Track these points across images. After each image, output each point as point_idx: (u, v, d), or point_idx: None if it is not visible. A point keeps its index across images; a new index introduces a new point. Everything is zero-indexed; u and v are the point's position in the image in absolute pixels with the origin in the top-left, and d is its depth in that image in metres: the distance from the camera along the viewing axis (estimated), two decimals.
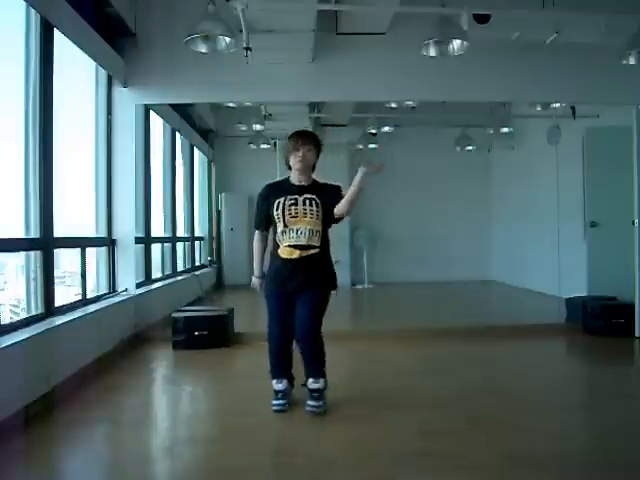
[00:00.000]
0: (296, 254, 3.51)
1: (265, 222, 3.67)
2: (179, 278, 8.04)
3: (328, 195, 3.57)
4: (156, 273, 7.26)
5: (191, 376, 4.89)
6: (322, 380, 3.60)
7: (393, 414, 3.59)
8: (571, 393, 4.35)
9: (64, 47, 4.49)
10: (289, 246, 3.52)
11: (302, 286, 3.55)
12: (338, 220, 3.58)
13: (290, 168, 3.65)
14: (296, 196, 3.53)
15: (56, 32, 4.33)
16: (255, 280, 3.79)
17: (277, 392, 3.65)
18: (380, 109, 8.70)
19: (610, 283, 6.66)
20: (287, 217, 3.50)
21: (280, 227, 3.54)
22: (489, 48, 5.46)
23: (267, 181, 3.78)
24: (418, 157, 10.97)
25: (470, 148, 10.05)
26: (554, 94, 6.19)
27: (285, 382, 3.67)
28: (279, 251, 3.56)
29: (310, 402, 3.57)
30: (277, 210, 3.53)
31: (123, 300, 5.52)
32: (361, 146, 10.09)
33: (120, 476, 2.87)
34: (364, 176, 3.39)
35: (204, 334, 5.51)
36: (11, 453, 2.97)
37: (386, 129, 9.35)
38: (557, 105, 7.60)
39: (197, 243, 10.11)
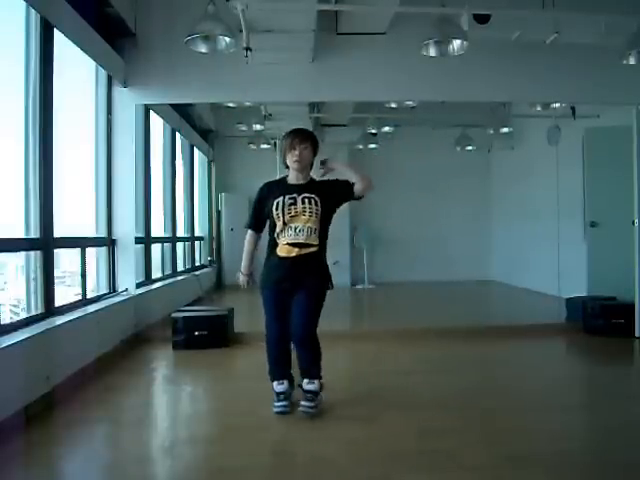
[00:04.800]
0: (294, 252, 3.49)
1: (260, 223, 3.69)
2: (179, 278, 8.04)
3: (330, 189, 3.57)
4: (156, 273, 7.26)
5: (191, 376, 4.88)
6: (317, 381, 3.59)
7: (393, 414, 3.60)
8: (571, 393, 4.35)
9: (64, 47, 4.49)
10: (287, 244, 3.50)
11: (298, 284, 3.53)
12: (359, 198, 3.61)
13: (287, 167, 3.63)
14: (295, 195, 3.51)
15: (56, 32, 4.33)
16: (242, 277, 3.78)
17: (278, 394, 3.63)
18: (380, 109, 8.70)
19: (610, 283, 6.67)
20: (286, 216, 3.49)
21: (279, 226, 3.52)
22: (489, 48, 5.46)
23: (267, 181, 3.77)
24: (418, 157, 10.97)
25: (470, 148, 10.05)
26: (554, 94, 6.19)
27: (286, 383, 3.65)
28: (277, 249, 3.54)
29: (304, 402, 3.55)
30: (277, 209, 3.51)
31: (123, 300, 5.52)
32: (361, 146, 10.09)
33: (120, 476, 2.87)
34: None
35: (204, 334, 5.50)
36: (11, 453, 2.98)
37: (386, 129, 9.34)
38: (557, 105, 7.60)
39: (197, 243, 10.11)
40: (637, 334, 5.84)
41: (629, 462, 2.91)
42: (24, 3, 3.98)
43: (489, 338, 5.92)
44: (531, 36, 5.41)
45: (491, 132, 9.49)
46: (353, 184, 3.55)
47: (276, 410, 3.59)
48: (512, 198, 10.36)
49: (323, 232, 3.56)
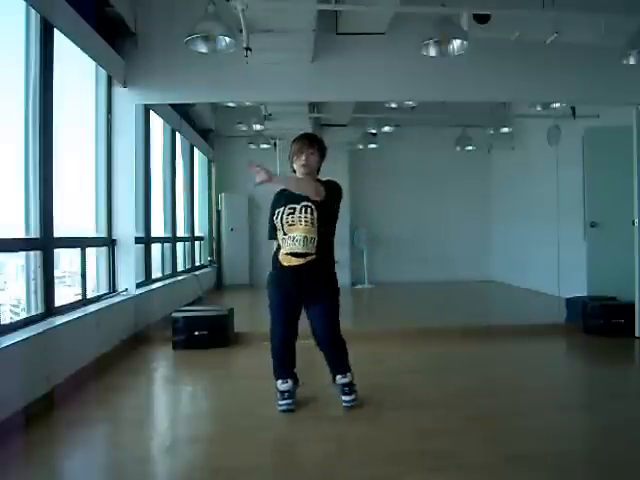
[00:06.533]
0: (293, 261, 3.52)
1: (274, 232, 3.67)
2: (179, 278, 8.04)
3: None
4: (156, 273, 7.26)
5: (191, 376, 4.88)
6: (349, 374, 3.67)
7: (393, 414, 3.60)
8: (571, 393, 4.35)
9: (64, 47, 4.49)
10: (287, 254, 3.54)
11: (307, 292, 3.57)
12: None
13: (295, 172, 3.65)
14: (295, 204, 3.53)
15: (56, 32, 4.33)
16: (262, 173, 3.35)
17: (283, 392, 3.65)
18: (380, 109, 8.70)
19: (610, 283, 6.66)
20: (285, 225, 3.54)
21: (280, 235, 3.57)
22: (489, 48, 5.46)
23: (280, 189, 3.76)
24: (418, 157, 10.97)
25: (470, 148, 10.05)
26: (554, 94, 6.20)
27: (290, 382, 3.68)
28: (279, 257, 3.59)
29: (344, 397, 3.64)
30: (277, 219, 3.57)
31: (123, 300, 5.52)
32: (361, 146, 10.09)
33: (120, 476, 2.87)
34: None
35: (204, 334, 5.50)
36: (11, 453, 2.98)
37: (386, 129, 9.36)
38: (557, 105, 7.61)
39: (197, 243, 10.11)
40: (637, 334, 5.84)
41: (629, 462, 2.90)
42: (24, 3, 3.98)
43: (489, 338, 5.92)
44: (531, 36, 5.41)
45: (491, 132, 9.51)
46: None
47: (281, 408, 3.61)
48: (512, 198, 10.36)
49: (323, 240, 3.55)
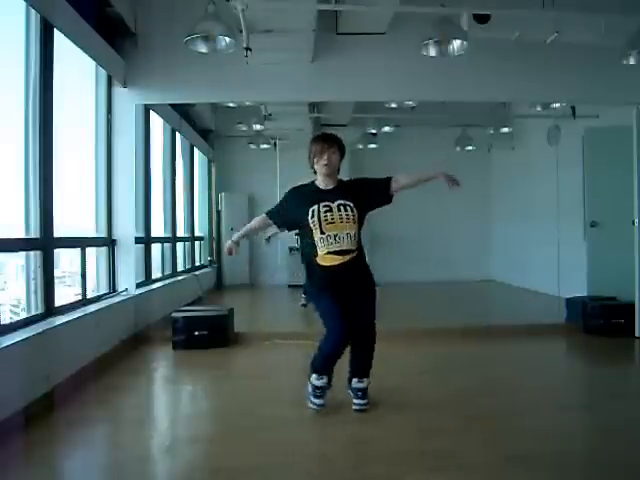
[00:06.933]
0: (338, 260, 3.49)
1: (278, 219, 3.72)
2: (179, 278, 8.04)
3: (365, 189, 3.63)
4: (156, 273, 7.26)
5: (191, 376, 4.89)
6: (366, 379, 3.66)
7: (394, 414, 3.59)
8: (571, 393, 4.35)
9: (64, 47, 4.49)
10: (329, 253, 3.49)
11: (351, 290, 3.56)
12: (392, 195, 3.67)
13: (315, 172, 3.64)
14: (329, 202, 3.52)
15: (56, 32, 4.33)
16: (229, 243, 3.83)
17: (317, 388, 3.60)
18: (380, 109, 8.70)
19: (610, 283, 6.67)
20: (324, 224, 3.48)
21: (317, 234, 3.50)
22: (489, 48, 5.46)
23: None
24: (418, 157, 10.93)
25: (470, 148, 10.05)
26: (554, 94, 6.20)
27: (326, 379, 3.62)
28: (318, 259, 3.53)
29: (356, 401, 3.63)
30: (312, 217, 3.50)
31: (123, 300, 5.52)
32: (361, 146, 10.09)
33: (120, 476, 2.87)
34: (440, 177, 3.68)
35: (204, 334, 5.50)
36: (11, 453, 2.97)
37: (386, 129, 9.37)
38: (557, 105, 7.61)
39: (197, 243, 10.11)
40: (637, 334, 5.84)
41: (629, 462, 2.90)
42: (24, 3, 3.98)
43: (489, 338, 5.92)
44: (531, 36, 5.41)
45: (491, 132, 9.52)
46: (390, 179, 3.62)
47: (312, 407, 3.60)
48: (512, 198, 10.36)
49: (359, 235, 3.59)
